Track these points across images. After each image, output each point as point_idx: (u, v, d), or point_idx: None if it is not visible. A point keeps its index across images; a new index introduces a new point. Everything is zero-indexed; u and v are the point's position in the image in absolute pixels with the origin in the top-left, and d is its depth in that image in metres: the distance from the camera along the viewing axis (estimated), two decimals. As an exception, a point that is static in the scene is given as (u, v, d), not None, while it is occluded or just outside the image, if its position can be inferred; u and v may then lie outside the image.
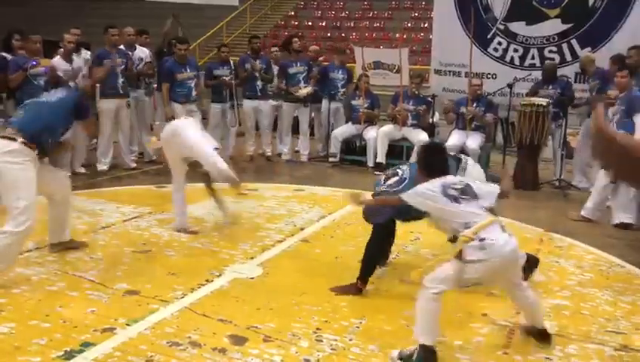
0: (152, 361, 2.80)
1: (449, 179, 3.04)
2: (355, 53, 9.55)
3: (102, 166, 7.04)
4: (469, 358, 2.97)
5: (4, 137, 3.64)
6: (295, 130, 8.39)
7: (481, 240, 2.78)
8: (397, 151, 7.93)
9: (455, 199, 2.91)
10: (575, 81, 7.81)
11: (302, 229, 5.02)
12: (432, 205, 2.96)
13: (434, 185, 2.99)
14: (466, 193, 2.94)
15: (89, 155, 7.27)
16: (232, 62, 8.04)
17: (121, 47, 7.17)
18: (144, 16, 18.81)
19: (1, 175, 3.57)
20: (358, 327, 3.24)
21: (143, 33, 7.87)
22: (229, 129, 8.00)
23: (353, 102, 8.16)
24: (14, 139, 3.61)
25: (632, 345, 3.17)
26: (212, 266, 4.05)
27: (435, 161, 3.19)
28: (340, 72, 8.36)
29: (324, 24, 19.73)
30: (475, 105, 7.41)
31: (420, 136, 7.69)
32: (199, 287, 3.68)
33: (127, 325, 3.14)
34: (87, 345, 2.91)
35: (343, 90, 8.33)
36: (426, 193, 2.97)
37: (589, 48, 7.85)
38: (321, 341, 3.07)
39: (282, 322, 3.24)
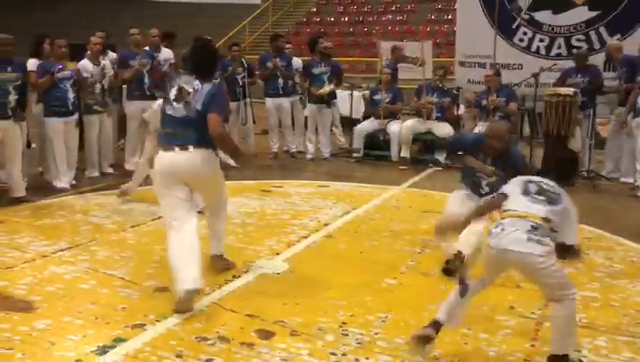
0: (181, 356, 2.86)
1: (545, 179, 2.93)
2: (378, 48, 9.51)
3: (130, 166, 7.16)
4: (495, 351, 2.96)
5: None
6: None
7: (496, 226, 2.76)
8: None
9: (526, 191, 2.84)
10: (604, 70, 7.66)
11: (326, 225, 5.05)
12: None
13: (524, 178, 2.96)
14: (543, 194, 2.82)
15: (117, 155, 7.41)
16: (244, 60, 8.11)
17: (146, 48, 7.28)
18: (169, 16, 19.08)
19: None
20: (383, 321, 3.25)
21: (170, 36, 7.92)
22: (246, 127, 8.05)
23: (375, 98, 8.14)
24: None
25: (664, 337, 3.12)
26: (239, 262, 4.09)
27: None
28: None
29: (346, 19, 19.72)
30: (496, 95, 7.32)
31: (445, 130, 7.64)
32: (226, 283, 3.74)
33: (157, 321, 3.21)
34: (119, 340, 2.99)
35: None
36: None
37: (618, 35, 7.70)
38: (347, 335, 3.09)
39: (308, 316, 3.27)
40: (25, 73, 5.73)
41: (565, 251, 2.80)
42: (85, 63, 6.66)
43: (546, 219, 2.73)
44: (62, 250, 4.28)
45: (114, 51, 7.75)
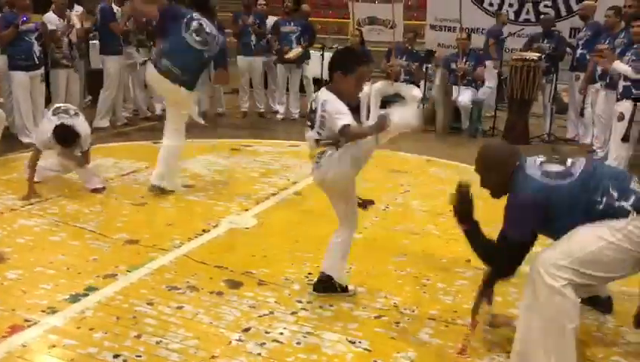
0: (152, 303, 2.96)
1: None
2: (350, 9, 9.46)
3: (102, 123, 7.08)
4: (451, 299, 3.15)
5: None
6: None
7: None
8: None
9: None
10: (569, 37, 7.84)
11: (295, 183, 5.16)
12: None
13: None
14: None
15: (87, 113, 7.29)
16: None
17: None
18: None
19: None
20: (347, 272, 3.39)
21: None
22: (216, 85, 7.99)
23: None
24: None
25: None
26: (208, 217, 4.19)
27: None
28: None
29: (319, -21, 19.39)
30: (465, 60, 7.45)
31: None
32: (196, 237, 3.84)
33: (128, 271, 3.30)
34: (91, 289, 3.07)
35: None
36: None
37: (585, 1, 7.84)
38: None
39: (276, 268, 3.41)
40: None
41: None
42: (50, 16, 6.51)
43: None
44: (31, 204, 4.30)
45: (80, 4, 7.58)
